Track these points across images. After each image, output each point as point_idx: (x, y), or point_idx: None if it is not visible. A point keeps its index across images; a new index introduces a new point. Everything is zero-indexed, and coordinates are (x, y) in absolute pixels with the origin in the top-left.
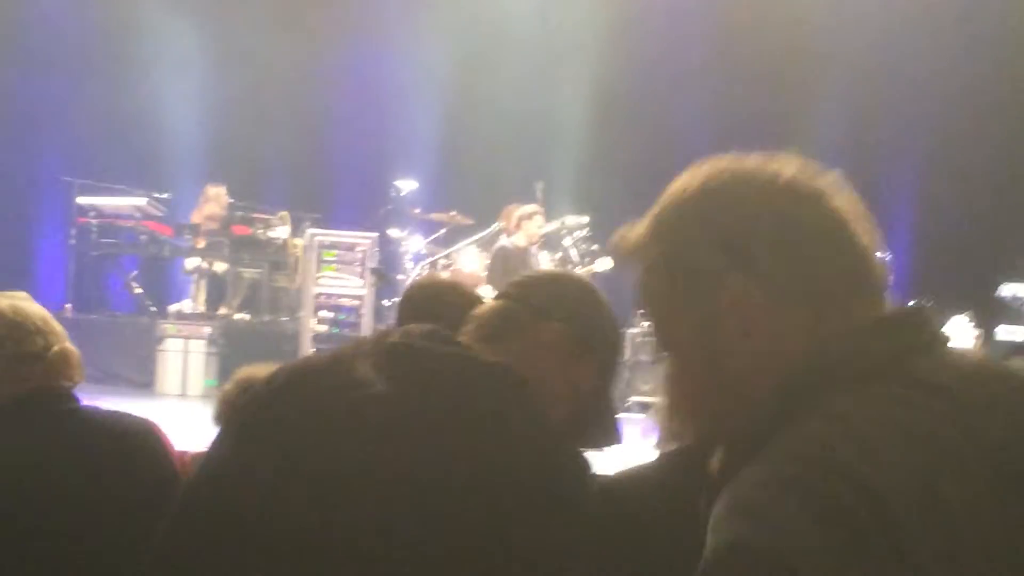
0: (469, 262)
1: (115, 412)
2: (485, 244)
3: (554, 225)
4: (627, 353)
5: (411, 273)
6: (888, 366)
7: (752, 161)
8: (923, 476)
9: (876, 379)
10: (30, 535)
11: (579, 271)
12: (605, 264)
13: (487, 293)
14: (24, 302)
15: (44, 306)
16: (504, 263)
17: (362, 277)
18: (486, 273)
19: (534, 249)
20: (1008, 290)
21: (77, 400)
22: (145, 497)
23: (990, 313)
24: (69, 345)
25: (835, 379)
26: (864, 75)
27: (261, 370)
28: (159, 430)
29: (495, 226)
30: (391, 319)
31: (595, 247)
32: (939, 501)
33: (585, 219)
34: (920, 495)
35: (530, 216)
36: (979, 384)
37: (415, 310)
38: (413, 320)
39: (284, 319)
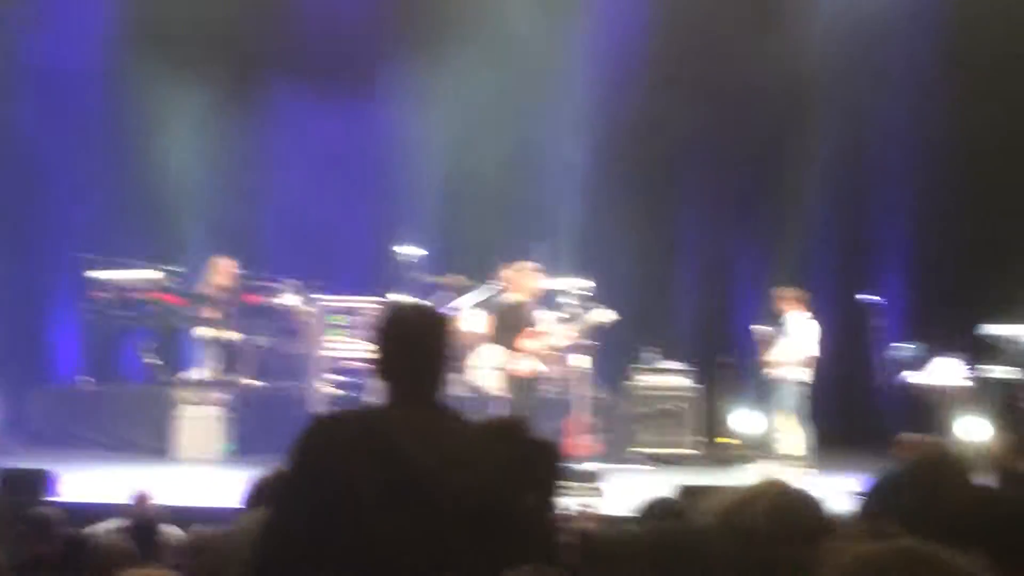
0: (472, 321)
1: None
2: (486, 304)
3: (556, 283)
4: (630, 406)
5: None
6: None
7: None
8: None
9: None
10: None
11: (577, 325)
12: (602, 316)
13: (490, 351)
14: None
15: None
16: (503, 319)
17: (367, 341)
18: (488, 331)
19: (533, 305)
20: (990, 330)
21: None
22: None
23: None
24: None
25: None
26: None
27: None
28: None
29: (494, 285)
30: None
31: (593, 304)
32: None
33: (590, 283)
34: None
35: (527, 272)
36: None
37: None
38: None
39: (295, 384)
